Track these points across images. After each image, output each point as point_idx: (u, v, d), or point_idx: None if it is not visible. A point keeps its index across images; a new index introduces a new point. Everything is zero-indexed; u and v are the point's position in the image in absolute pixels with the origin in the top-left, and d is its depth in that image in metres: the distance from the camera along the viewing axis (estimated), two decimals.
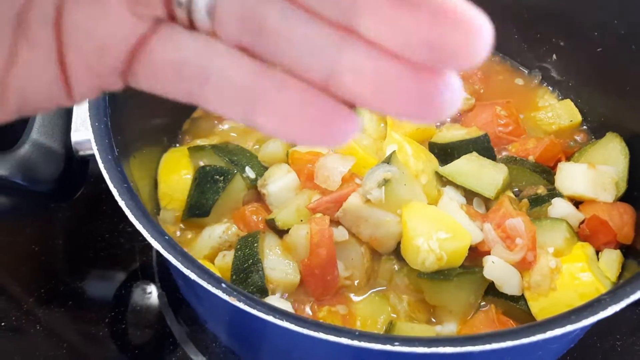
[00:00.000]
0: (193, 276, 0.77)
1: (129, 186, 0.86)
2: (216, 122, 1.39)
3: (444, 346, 0.71)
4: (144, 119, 1.20)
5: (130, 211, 0.82)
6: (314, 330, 0.72)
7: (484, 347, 0.71)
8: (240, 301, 0.75)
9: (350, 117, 0.42)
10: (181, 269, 0.78)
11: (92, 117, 0.92)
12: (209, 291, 0.78)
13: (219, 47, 0.44)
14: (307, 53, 0.41)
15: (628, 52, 1.20)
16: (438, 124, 1.35)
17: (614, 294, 0.77)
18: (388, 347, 0.71)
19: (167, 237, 0.81)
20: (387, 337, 0.72)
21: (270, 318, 0.74)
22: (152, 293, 1.30)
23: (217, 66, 0.43)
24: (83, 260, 1.36)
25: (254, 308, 0.74)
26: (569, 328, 0.73)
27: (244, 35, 0.42)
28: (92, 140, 0.89)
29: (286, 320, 0.73)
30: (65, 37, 0.45)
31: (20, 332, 1.26)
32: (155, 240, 0.80)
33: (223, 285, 0.76)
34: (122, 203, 0.83)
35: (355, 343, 0.71)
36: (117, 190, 0.84)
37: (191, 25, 0.44)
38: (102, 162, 0.87)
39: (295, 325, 0.73)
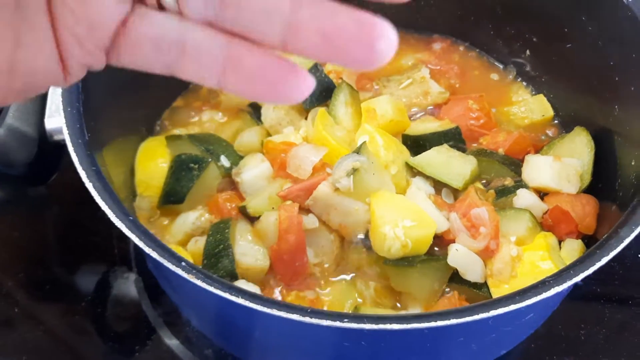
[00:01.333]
0: (154, 255, 0.80)
1: (97, 169, 0.89)
2: (194, 112, 1.42)
3: (390, 323, 0.74)
4: (122, 108, 1.23)
5: (97, 193, 0.85)
6: (268, 307, 0.75)
7: (429, 324, 0.74)
8: (198, 279, 0.78)
9: (305, 76, 0.51)
10: (144, 248, 0.81)
11: (65, 102, 0.95)
12: (174, 272, 0.81)
13: (189, 23, 0.51)
14: (264, 17, 0.48)
15: (595, 48, 1.22)
16: (413, 117, 1.38)
17: (558, 276, 0.80)
18: (337, 324, 0.74)
19: (131, 218, 0.84)
20: (338, 314, 0.75)
21: (226, 295, 0.77)
22: (129, 279, 1.33)
23: (191, 39, 0.50)
24: (62, 247, 1.39)
25: (210, 285, 0.77)
26: (513, 307, 0.76)
27: (208, 10, 0.49)
28: (63, 124, 0.92)
29: (241, 297, 0.76)
30: (59, 20, 0.51)
31: None
32: (120, 220, 0.83)
33: (183, 263, 0.79)
34: (89, 185, 0.86)
35: (307, 319, 0.74)
36: (85, 173, 0.87)
37: (160, 7, 0.51)
38: (72, 145, 0.90)
39: (250, 302, 0.76)
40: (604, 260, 0.80)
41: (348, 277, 1.17)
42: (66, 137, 0.91)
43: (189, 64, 0.52)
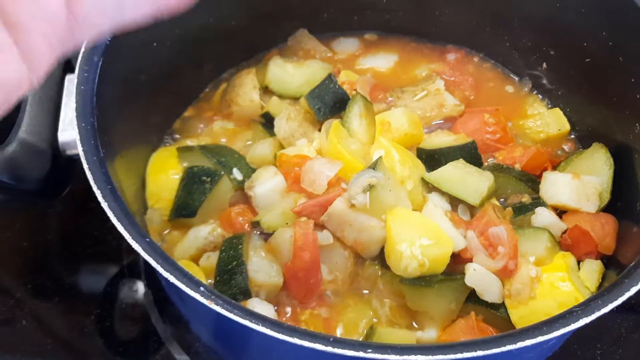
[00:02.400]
0: (172, 279, 0.78)
1: (112, 188, 0.87)
2: (205, 122, 1.40)
3: (415, 354, 0.72)
4: (133, 118, 1.21)
5: (113, 213, 0.83)
6: (289, 336, 0.73)
7: (455, 356, 0.72)
8: (217, 305, 0.76)
9: None
10: (161, 272, 0.79)
11: (79, 117, 0.93)
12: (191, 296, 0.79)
13: None
14: None
15: (615, 63, 1.21)
16: (426, 130, 1.36)
17: (586, 306, 0.78)
18: (361, 354, 0.72)
19: (148, 240, 0.82)
20: (361, 344, 0.73)
21: (247, 322, 0.75)
22: (138, 291, 1.31)
23: None
24: (71, 257, 1.38)
25: (231, 312, 0.75)
26: (540, 339, 0.74)
27: None
28: (78, 141, 0.90)
29: (262, 325, 0.74)
30: (20, 28, 0.56)
31: (8, 324, 1.27)
32: (136, 242, 0.81)
33: (201, 288, 0.77)
34: (105, 205, 0.84)
35: (329, 349, 0.72)
36: (101, 192, 0.85)
37: None
38: (87, 164, 0.88)
39: (271, 330, 0.74)
40: (633, 290, 0.79)
41: (363, 295, 1.15)
42: (81, 154, 0.89)
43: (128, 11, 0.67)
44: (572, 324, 0.75)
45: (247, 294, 1.09)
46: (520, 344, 0.73)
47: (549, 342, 0.90)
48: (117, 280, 1.34)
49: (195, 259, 1.17)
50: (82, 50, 1.01)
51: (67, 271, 1.36)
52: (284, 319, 1.10)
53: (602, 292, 0.80)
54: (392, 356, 0.72)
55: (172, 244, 1.22)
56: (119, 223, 0.82)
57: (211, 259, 1.14)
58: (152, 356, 1.23)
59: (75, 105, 0.95)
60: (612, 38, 1.20)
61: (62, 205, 1.39)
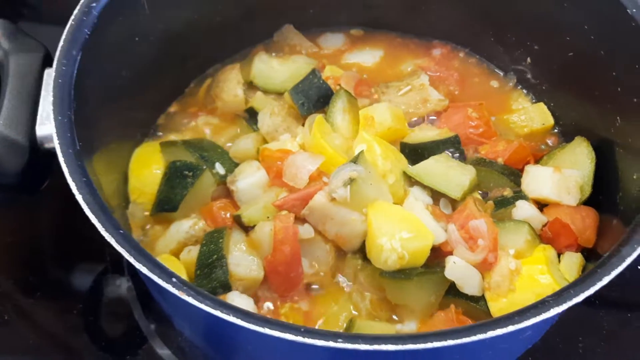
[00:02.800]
0: (145, 270, 0.78)
1: (88, 180, 0.87)
2: (190, 118, 1.40)
3: (385, 344, 0.72)
4: (115, 113, 1.20)
5: (87, 205, 0.83)
6: (260, 326, 0.74)
7: (426, 346, 0.72)
8: (189, 296, 0.76)
9: None
10: (134, 264, 0.79)
11: (56, 110, 0.94)
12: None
13: None
14: None
15: (597, 57, 1.21)
16: (411, 125, 1.36)
17: (558, 296, 0.78)
18: (331, 344, 0.72)
19: (122, 232, 0.82)
20: (332, 334, 0.73)
21: (217, 313, 0.75)
22: (121, 286, 1.31)
23: None
24: (55, 253, 1.38)
25: (202, 303, 0.75)
26: (511, 328, 0.74)
27: None
28: (54, 134, 0.90)
29: (233, 315, 0.74)
30: None
31: None
32: (109, 234, 0.81)
33: (173, 279, 0.77)
34: (79, 197, 0.84)
35: (299, 339, 0.73)
36: (76, 185, 0.85)
37: None
38: (62, 156, 0.88)
39: (242, 320, 0.74)
40: (606, 280, 0.79)
41: (344, 289, 1.16)
42: (57, 147, 0.89)
43: None
44: (543, 314, 0.76)
45: (227, 288, 1.09)
46: (490, 334, 0.73)
47: (524, 333, 0.90)
48: (100, 276, 1.35)
49: (177, 253, 1.17)
50: (61, 43, 1.01)
51: (51, 266, 1.36)
52: (264, 312, 1.10)
53: (575, 282, 0.80)
54: (363, 345, 0.72)
55: (154, 238, 1.22)
56: (92, 215, 0.82)
57: (192, 253, 1.14)
58: (134, 351, 1.23)
59: (52, 98, 0.95)
60: (593, 32, 1.20)
61: (46, 201, 1.39)
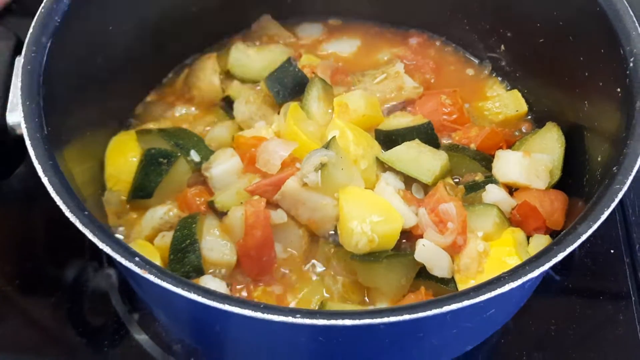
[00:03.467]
0: (109, 250, 0.80)
1: (54, 163, 0.88)
2: (167, 107, 1.41)
3: (343, 319, 0.73)
4: (91, 101, 1.22)
5: (52, 187, 0.85)
6: (220, 302, 0.75)
7: (382, 320, 0.73)
8: (151, 274, 0.77)
9: None
10: (97, 244, 0.80)
11: (24, 95, 0.95)
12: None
13: None
14: None
15: (566, 43, 1.22)
16: (385, 112, 1.37)
17: (513, 272, 0.79)
18: (290, 319, 0.73)
19: (86, 213, 0.83)
20: (289, 310, 0.74)
21: (178, 290, 0.76)
22: (99, 273, 1.32)
23: None
24: (33, 242, 1.39)
25: (163, 281, 0.77)
26: (467, 303, 0.75)
27: None
28: (21, 118, 0.91)
29: (194, 293, 0.76)
30: None
31: None
32: (73, 215, 0.82)
33: (136, 258, 0.79)
34: (45, 179, 0.86)
35: (259, 315, 0.74)
36: (42, 167, 0.86)
37: None
38: (29, 139, 0.89)
39: (203, 297, 0.76)
40: (561, 256, 0.80)
41: (316, 272, 1.17)
42: (24, 130, 0.90)
43: None
44: (498, 289, 0.77)
45: (200, 272, 1.10)
46: (446, 308, 0.75)
47: (487, 311, 0.92)
48: (79, 264, 1.35)
49: (151, 239, 1.18)
50: (30, 30, 1.02)
51: (29, 256, 1.37)
52: (237, 295, 1.11)
53: (531, 259, 0.82)
54: (321, 320, 0.73)
55: (130, 225, 1.23)
56: (57, 197, 0.83)
57: (166, 238, 1.15)
58: (112, 337, 1.24)
59: (21, 84, 0.96)
60: (561, 17, 1.22)
61: (23, 190, 1.40)
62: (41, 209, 1.42)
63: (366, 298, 1.14)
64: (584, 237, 0.82)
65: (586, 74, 1.17)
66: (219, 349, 1.08)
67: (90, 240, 1.27)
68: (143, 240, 1.18)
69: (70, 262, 1.35)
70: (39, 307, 1.29)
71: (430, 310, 0.74)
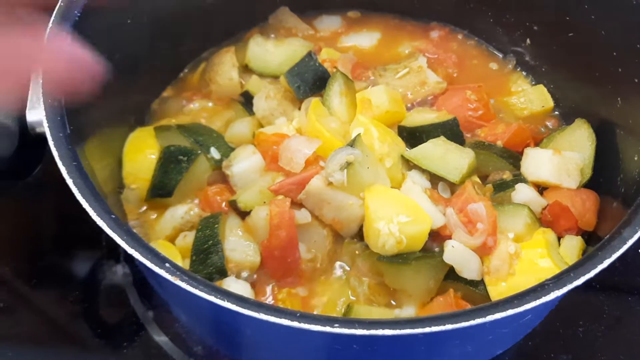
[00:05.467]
0: (137, 255, 0.77)
1: (79, 164, 0.85)
2: (185, 101, 1.38)
3: (383, 329, 0.71)
4: (108, 97, 1.17)
5: (78, 189, 0.82)
6: (255, 311, 0.72)
7: (424, 330, 0.71)
8: (182, 281, 0.75)
9: None
10: (126, 249, 0.78)
11: (46, 94, 0.91)
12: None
13: None
14: None
15: (598, 37, 1.19)
16: (409, 107, 1.34)
17: (558, 279, 0.77)
18: (327, 329, 0.71)
19: (113, 217, 0.80)
20: (327, 319, 0.72)
21: (212, 298, 0.73)
22: (117, 272, 1.29)
23: None
24: (50, 239, 1.36)
25: (196, 288, 0.74)
26: (511, 312, 0.73)
27: None
28: (44, 117, 0.88)
29: (228, 301, 0.73)
30: None
31: None
32: (101, 219, 0.79)
33: (167, 265, 0.76)
34: (69, 181, 0.83)
35: (295, 324, 0.71)
36: (66, 169, 0.84)
37: None
38: (52, 139, 0.86)
39: (237, 305, 0.73)
40: (606, 262, 0.77)
41: (341, 274, 1.14)
42: (46, 130, 0.87)
43: None
44: (543, 297, 0.74)
45: (223, 273, 1.08)
46: (490, 317, 0.72)
47: (525, 317, 0.89)
48: (96, 262, 1.33)
49: (172, 239, 1.16)
50: (50, 25, 0.99)
51: (50, 254, 1.35)
52: (261, 298, 1.09)
53: (575, 265, 0.79)
54: (360, 330, 0.71)
55: (149, 224, 1.20)
56: (83, 199, 0.80)
57: (187, 239, 1.12)
58: (131, 338, 1.22)
59: (42, 81, 0.93)
60: (594, 11, 1.18)
61: (40, 187, 1.37)
62: (54, 203, 1.40)
63: (392, 301, 1.11)
64: (630, 242, 0.79)
65: (619, 69, 1.14)
66: (244, 351, 1.05)
67: (108, 237, 1.27)
68: (164, 240, 1.15)
69: (85, 257, 1.34)
70: (54, 303, 1.27)
71: (474, 319, 0.72)
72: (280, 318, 0.72)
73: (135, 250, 0.77)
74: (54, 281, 1.31)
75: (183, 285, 0.74)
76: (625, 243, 0.79)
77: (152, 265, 0.76)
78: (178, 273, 0.75)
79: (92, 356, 1.23)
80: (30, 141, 0.98)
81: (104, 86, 1.14)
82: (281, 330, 0.77)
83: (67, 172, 0.83)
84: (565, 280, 0.76)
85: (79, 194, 0.81)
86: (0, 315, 1.25)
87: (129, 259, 1.30)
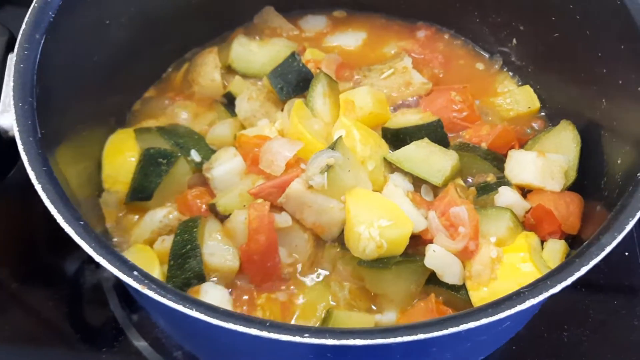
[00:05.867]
0: (104, 263, 0.75)
1: (49, 169, 0.84)
2: (164, 104, 1.36)
3: (354, 338, 0.69)
4: (87, 99, 1.17)
5: (46, 194, 0.80)
6: (223, 320, 0.71)
7: (395, 340, 0.69)
8: (150, 289, 0.73)
9: None
10: (93, 256, 0.76)
11: (16, 96, 0.90)
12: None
13: None
14: None
15: (583, 37, 1.17)
16: (393, 108, 1.33)
17: (534, 286, 0.75)
18: (297, 339, 0.69)
19: (82, 222, 0.79)
20: (297, 328, 0.70)
21: (180, 307, 0.72)
22: (96, 276, 1.28)
23: None
24: (34, 241, 1.35)
25: (164, 297, 0.73)
26: (485, 321, 0.71)
27: None
28: (14, 121, 0.87)
29: (196, 310, 0.72)
30: None
31: None
32: (68, 225, 0.78)
33: (135, 273, 0.74)
34: (38, 186, 0.81)
35: (264, 334, 0.70)
36: (35, 174, 0.82)
37: None
38: (22, 144, 0.85)
39: (206, 315, 0.72)
40: (584, 270, 0.76)
41: (322, 278, 1.13)
42: (16, 135, 0.86)
43: None
44: (518, 305, 0.73)
45: (201, 279, 1.06)
46: (463, 326, 0.71)
47: (502, 325, 0.88)
48: (80, 266, 1.31)
49: (151, 243, 1.14)
50: (23, 27, 0.97)
51: (42, 254, 1.33)
52: (239, 303, 1.07)
53: (552, 272, 0.77)
54: (331, 340, 0.69)
55: (128, 227, 1.19)
56: (51, 205, 0.79)
57: (166, 243, 1.11)
58: (110, 343, 1.20)
59: (13, 84, 0.91)
60: (579, 11, 1.17)
61: (23, 190, 1.36)
62: (42, 203, 1.38)
63: (373, 306, 1.10)
64: (608, 249, 0.77)
65: (604, 70, 1.12)
66: (221, 359, 1.04)
67: None
68: (142, 244, 1.13)
69: (72, 259, 1.32)
70: (40, 301, 1.26)
71: (447, 329, 0.70)
72: (250, 328, 0.70)
73: (103, 258, 0.76)
74: (40, 280, 1.29)
75: (151, 294, 0.73)
76: (604, 250, 0.78)
77: (120, 273, 0.74)
78: (146, 281, 0.74)
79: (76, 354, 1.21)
80: (2, 145, 0.96)
81: (80, 89, 1.14)
82: (253, 339, 0.76)
83: (36, 177, 0.82)
84: (542, 288, 0.74)
85: (47, 200, 0.80)
86: None
87: None
